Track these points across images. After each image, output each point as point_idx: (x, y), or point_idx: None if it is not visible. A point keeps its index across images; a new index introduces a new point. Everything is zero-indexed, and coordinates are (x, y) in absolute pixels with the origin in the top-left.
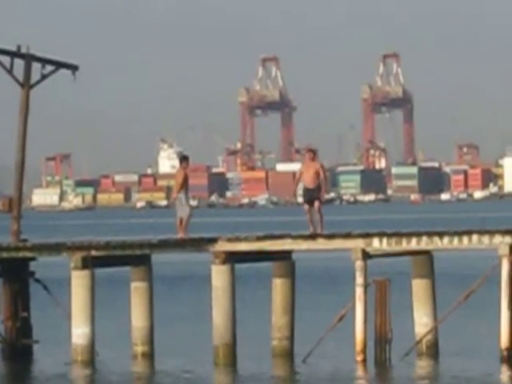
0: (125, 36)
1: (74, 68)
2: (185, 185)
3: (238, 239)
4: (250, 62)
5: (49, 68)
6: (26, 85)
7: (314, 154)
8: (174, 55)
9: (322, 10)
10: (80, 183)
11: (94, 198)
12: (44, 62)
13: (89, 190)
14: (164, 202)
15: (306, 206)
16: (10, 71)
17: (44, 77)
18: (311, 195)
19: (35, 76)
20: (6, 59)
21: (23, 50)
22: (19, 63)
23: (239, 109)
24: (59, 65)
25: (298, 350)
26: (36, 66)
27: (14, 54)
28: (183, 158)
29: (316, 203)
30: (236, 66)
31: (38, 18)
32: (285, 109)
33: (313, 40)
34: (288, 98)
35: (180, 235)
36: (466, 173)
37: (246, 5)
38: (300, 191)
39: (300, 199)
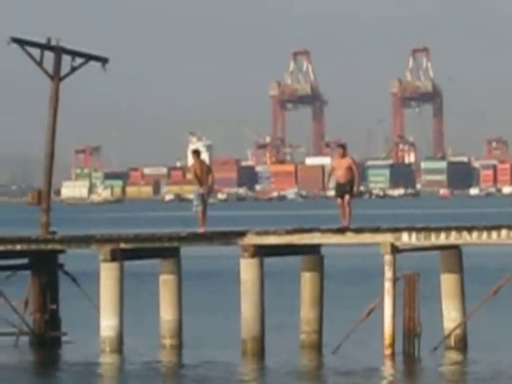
0: (156, 30)
1: (103, 60)
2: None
3: (266, 233)
4: (281, 55)
5: (79, 60)
6: (56, 77)
7: (344, 149)
8: (206, 49)
9: (353, 5)
10: (109, 176)
11: (123, 190)
12: (74, 54)
13: (118, 183)
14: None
15: (339, 200)
16: (40, 64)
17: (74, 69)
18: (343, 189)
19: (65, 68)
20: (36, 52)
21: (53, 43)
22: (49, 56)
23: (270, 102)
24: (89, 57)
25: (326, 343)
26: (66, 58)
27: (44, 47)
28: (197, 152)
29: (346, 197)
30: (267, 59)
31: (69, 10)
32: (316, 103)
33: (343, 34)
34: (319, 92)
35: (202, 229)
36: (495, 168)
37: None
38: (331, 185)
39: (330, 192)
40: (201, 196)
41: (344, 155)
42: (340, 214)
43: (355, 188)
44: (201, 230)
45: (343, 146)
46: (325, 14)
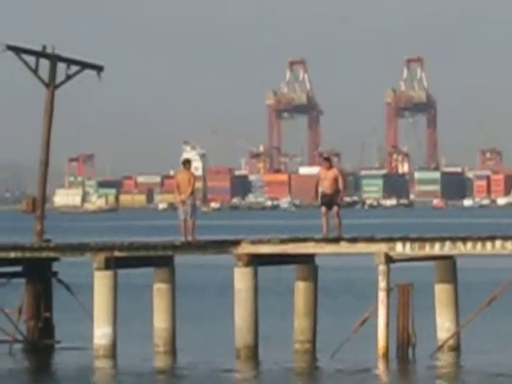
0: (151, 39)
1: (99, 69)
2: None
3: (261, 242)
4: (277, 64)
5: (74, 68)
6: (51, 85)
7: (329, 162)
8: (202, 57)
9: (348, 15)
10: (102, 184)
11: (117, 199)
12: (69, 62)
13: (111, 191)
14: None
15: (324, 209)
16: (35, 71)
17: (69, 77)
18: (330, 200)
19: (60, 76)
20: (31, 59)
21: (48, 51)
22: (44, 63)
23: (266, 111)
24: (84, 65)
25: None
26: (61, 66)
27: (39, 54)
28: (188, 161)
29: (335, 208)
30: (264, 68)
31: (64, 18)
32: (312, 112)
33: (339, 44)
34: (315, 102)
35: (185, 238)
36: (488, 178)
37: (273, 8)
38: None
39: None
40: (182, 206)
41: (330, 167)
42: (323, 223)
43: (339, 197)
44: (188, 238)
45: (329, 159)
46: (321, 23)
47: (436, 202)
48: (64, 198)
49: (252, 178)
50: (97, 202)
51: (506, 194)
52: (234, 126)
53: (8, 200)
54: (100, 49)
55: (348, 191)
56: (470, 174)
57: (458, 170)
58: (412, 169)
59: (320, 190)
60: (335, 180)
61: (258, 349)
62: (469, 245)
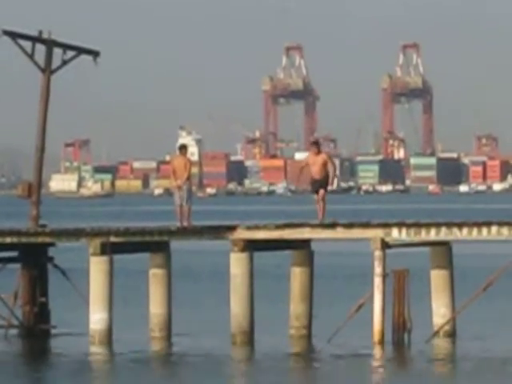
0: (147, 23)
1: (95, 54)
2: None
3: (257, 227)
4: (274, 50)
5: (70, 53)
6: (47, 70)
7: (318, 147)
8: (198, 43)
9: (345, 1)
10: (98, 169)
11: (113, 184)
12: (65, 47)
13: (107, 177)
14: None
15: (316, 196)
16: (31, 56)
17: (65, 62)
18: (320, 185)
19: (56, 61)
20: (27, 44)
21: (45, 36)
22: (41, 48)
23: (262, 97)
24: (80, 50)
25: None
26: (57, 51)
27: (35, 40)
28: (184, 147)
29: (321, 191)
30: (260, 54)
31: (60, 2)
32: (308, 98)
33: (335, 29)
34: (311, 87)
35: (180, 224)
36: (484, 164)
37: None
38: (302, 181)
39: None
40: (178, 191)
41: (319, 152)
42: (317, 209)
43: (330, 180)
44: (184, 224)
45: (317, 144)
46: (317, 8)
47: (432, 187)
48: (60, 183)
49: (248, 163)
50: (93, 187)
51: (502, 179)
52: (230, 112)
53: (4, 185)
54: (96, 34)
55: (344, 177)
56: (465, 160)
57: (454, 155)
58: (408, 154)
59: (303, 175)
60: (324, 165)
61: (254, 334)
62: (464, 230)
